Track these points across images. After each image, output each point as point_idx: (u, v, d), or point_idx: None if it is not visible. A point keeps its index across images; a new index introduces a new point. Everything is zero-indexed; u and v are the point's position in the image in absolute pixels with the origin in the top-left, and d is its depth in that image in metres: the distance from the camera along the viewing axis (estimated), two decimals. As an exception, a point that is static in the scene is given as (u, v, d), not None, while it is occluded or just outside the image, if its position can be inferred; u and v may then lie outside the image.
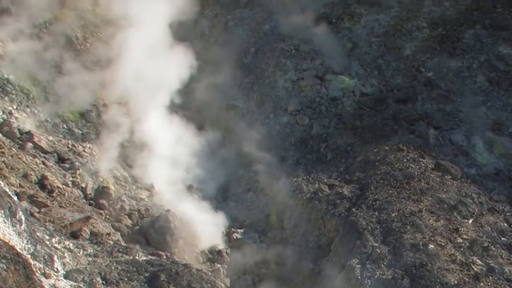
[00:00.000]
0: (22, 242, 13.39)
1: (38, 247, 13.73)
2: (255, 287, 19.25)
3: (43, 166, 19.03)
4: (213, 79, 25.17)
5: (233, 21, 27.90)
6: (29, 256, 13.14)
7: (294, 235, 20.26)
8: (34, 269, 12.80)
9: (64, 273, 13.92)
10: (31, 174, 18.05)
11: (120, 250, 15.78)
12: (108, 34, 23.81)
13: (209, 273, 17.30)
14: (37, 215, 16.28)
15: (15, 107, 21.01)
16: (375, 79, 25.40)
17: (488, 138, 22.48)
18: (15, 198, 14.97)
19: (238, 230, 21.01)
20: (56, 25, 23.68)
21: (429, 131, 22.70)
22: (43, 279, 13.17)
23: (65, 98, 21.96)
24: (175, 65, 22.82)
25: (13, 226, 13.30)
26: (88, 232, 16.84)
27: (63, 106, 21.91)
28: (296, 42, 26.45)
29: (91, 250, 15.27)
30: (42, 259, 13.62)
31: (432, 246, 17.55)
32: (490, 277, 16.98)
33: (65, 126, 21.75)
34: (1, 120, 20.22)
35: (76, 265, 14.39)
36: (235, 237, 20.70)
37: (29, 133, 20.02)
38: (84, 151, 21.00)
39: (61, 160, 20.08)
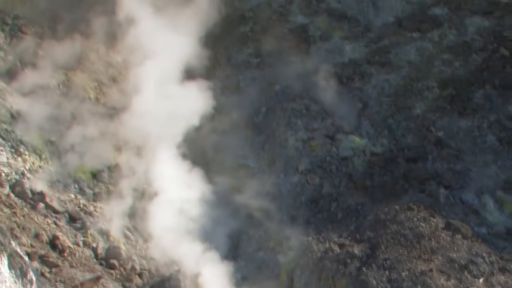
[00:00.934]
0: (33, 302, 13.48)
1: (49, 307, 13.81)
2: None
3: (54, 226, 19.18)
4: (224, 138, 25.38)
5: (244, 82, 28.21)
6: (39, 316, 13.22)
7: (305, 294, 20.23)
8: (43, 329, 12.87)
9: (74, 333, 13.98)
10: (42, 234, 18.21)
11: (130, 310, 15.82)
12: (120, 97, 24.23)
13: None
14: (48, 275, 16.39)
15: (27, 167, 21.23)
16: (385, 139, 25.47)
17: (499, 197, 22.45)
18: (26, 258, 15.06)
19: (249, 290, 20.98)
20: (69, 85, 24.12)
21: (439, 190, 22.70)
22: None
23: (77, 159, 22.21)
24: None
25: (23, 286, 13.38)
26: (99, 291, 16.92)
27: (75, 166, 22.13)
28: (307, 102, 26.61)
29: (101, 310, 15.34)
30: (52, 319, 13.70)
31: (443, 306, 17.49)
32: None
33: (76, 186, 21.91)
34: (14, 180, 20.42)
35: (85, 326, 14.43)
36: (245, 297, 20.67)
37: (41, 193, 20.23)
38: (95, 210, 21.15)
39: (72, 220, 20.23)
